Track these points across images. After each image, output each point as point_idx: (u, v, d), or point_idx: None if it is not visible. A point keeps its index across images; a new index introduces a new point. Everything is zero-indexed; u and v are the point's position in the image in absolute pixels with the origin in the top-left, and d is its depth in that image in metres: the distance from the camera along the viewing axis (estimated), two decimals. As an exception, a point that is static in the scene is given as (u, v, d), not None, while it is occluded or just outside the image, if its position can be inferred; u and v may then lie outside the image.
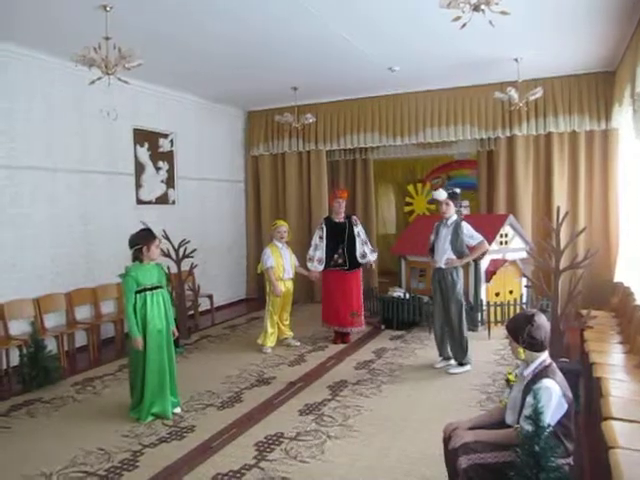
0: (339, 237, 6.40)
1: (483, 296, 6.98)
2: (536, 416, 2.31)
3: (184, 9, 4.90)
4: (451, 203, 5.41)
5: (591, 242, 7.30)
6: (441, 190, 5.46)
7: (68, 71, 6.09)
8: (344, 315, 6.43)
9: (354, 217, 6.58)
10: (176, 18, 5.12)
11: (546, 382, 2.51)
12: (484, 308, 6.85)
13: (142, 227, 4.48)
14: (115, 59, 4.61)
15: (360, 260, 6.43)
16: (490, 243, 6.91)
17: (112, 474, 3.47)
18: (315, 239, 6.51)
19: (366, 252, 6.43)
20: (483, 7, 3.58)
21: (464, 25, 3.82)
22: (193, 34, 5.59)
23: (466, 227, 5.42)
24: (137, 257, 4.32)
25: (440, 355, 5.63)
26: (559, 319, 5.14)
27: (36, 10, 4.80)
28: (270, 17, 5.16)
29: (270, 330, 6.27)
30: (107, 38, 4.62)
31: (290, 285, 6.39)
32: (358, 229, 6.45)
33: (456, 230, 5.38)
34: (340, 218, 6.47)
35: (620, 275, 6.87)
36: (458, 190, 5.54)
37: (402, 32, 5.68)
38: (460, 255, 5.38)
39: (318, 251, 6.43)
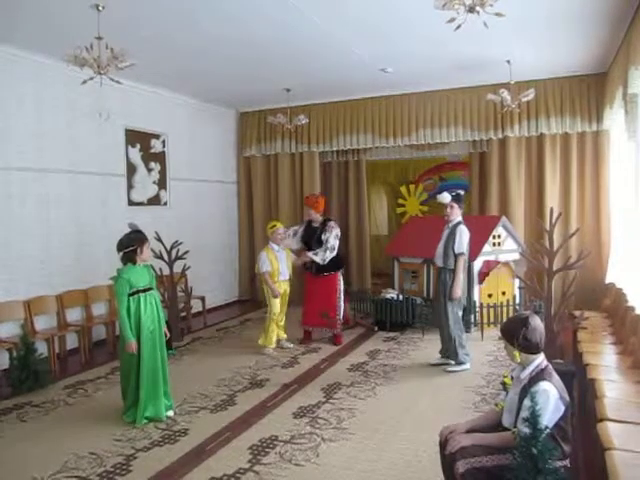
0: (309, 242, 6.40)
1: (476, 297, 6.99)
2: (533, 419, 2.30)
3: (177, 9, 4.87)
4: (455, 206, 5.43)
5: (583, 243, 7.34)
6: (445, 193, 5.46)
7: (60, 71, 6.02)
8: (310, 315, 6.49)
9: (330, 223, 6.43)
10: (169, 18, 5.08)
11: (543, 385, 2.51)
12: (477, 309, 6.87)
13: (130, 229, 4.41)
14: (107, 59, 4.57)
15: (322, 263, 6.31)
16: (482, 245, 6.97)
17: (105, 479, 3.42)
18: (292, 229, 6.65)
19: (324, 256, 6.25)
20: (478, 8, 3.58)
21: (459, 27, 3.82)
22: (186, 34, 5.55)
23: (460, 232, 5.38)
24: (130, 259, 4.28)
25: (440, 352, 5.68)
26: (552, 320, 5.15)
27: (27, 9, 4.74)
28: (263, 18, 5.14)
29: (271, 331, 6.23)
30: (99, 38, 4.57)
31: (286, 286, 6.35)
32: (325, 236, 6.29)
33: (453, 231, 5.40)
34: (316, 223, 6.44)
35: (612, 276, 6.91)
36: (462, 192, 5.56)
37: (395, 33, 5.68)
38: (446, 259, 5.38)
39: (295, 238, 6.55)
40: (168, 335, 4.58)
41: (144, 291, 4.27)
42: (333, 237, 6.30)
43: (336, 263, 6.43)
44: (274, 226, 6.32)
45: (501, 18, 3.93)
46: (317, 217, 6.42)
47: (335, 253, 6.33)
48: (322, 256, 6.25)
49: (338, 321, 6.51)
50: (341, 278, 6.58)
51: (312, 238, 6.39)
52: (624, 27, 5.40)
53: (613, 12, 5.08)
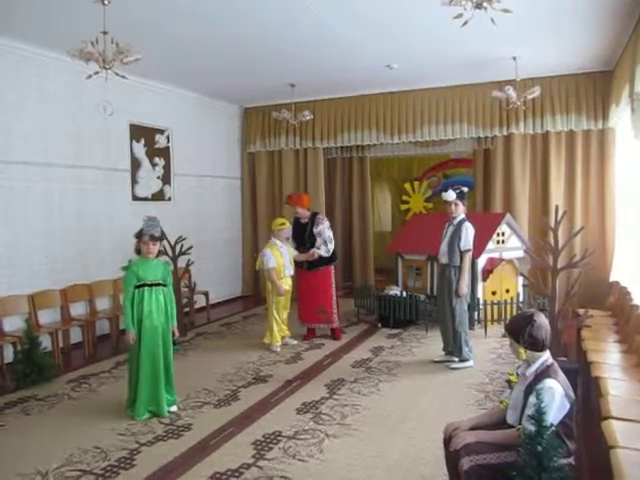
0: (301, 238, 6.39)
1: (480, 295, 6.98)
2: (539, 416, 2.30)
3: (182, 4, 4.86)
4: (460, 203, 5.43)
5: (587, 241, 7.31)
6: (450, 191, 5.46)
7: (64, 65, 6.02)
8: (307, 312, 6.49)
9: (319, 216, 6.47)
10: (174, 13, 5.07)
11: (549, 382, 2.50)
12: (481, 307, 6.86)
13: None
14: (112, 54, 4.56)
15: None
16: (486, 242, 6.95)
17: (109, 473, 3.43)
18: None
19: (328, 248, 6.31)
20: (485, 4, 3.56)
21: (465, 23, 3.80)
22: (191, 29, 5.53)
23: (466, 228, 5.39)
24: (136, 250, 4.31)
25: (443, 349, 5.68)
26: (556, 318, 5.14)
27: (32, 3, 4.73)
28: (268, 13, 5.12)
29: (276, 328, 6.23)
30: (105, 32, 4.57)
31: (291, 282, 6.35)
32: (318, 229, 6.32)
33: (459, 228, 5.39)
34: (304, 219, 6.43)
35: (616, 274, 6.89)
36: (465, 189, 5.55)
37: (400, 30, 5.66)
38: (452, 256, 5.39)
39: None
40: (177, 334, 4.57)
41: (151, 285, 4.27)
42: (327, 229, 6.38)
43: (329, 256, 6.42)
44: (284, 224, 6.24)
45: (507, 15, 3.92)
46: (304, 213, 6.40)
47: (334, 244, 6.41)
48: (325, 249, 6.31)
49: (334, 315, 6.52)
50: (333, 271, 6.56)
51: (303, 234, 6.38)
52: (631, 24, 5.37)
53: (620, 9, 5.05)
